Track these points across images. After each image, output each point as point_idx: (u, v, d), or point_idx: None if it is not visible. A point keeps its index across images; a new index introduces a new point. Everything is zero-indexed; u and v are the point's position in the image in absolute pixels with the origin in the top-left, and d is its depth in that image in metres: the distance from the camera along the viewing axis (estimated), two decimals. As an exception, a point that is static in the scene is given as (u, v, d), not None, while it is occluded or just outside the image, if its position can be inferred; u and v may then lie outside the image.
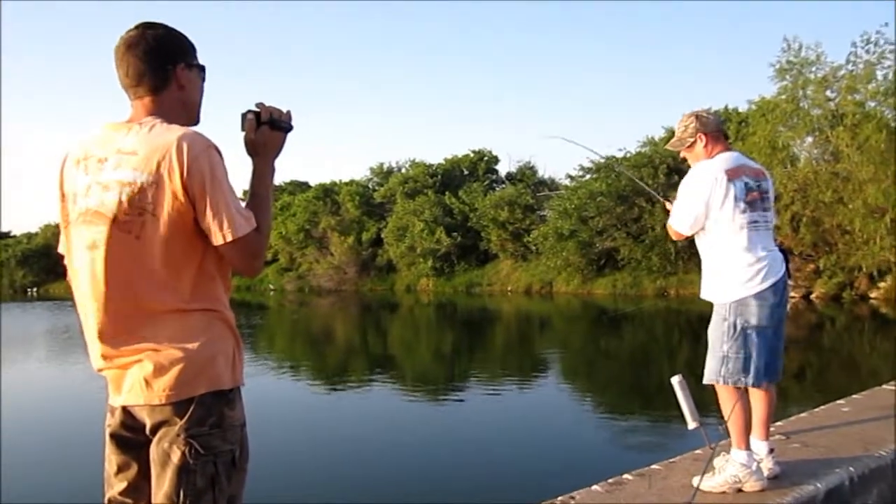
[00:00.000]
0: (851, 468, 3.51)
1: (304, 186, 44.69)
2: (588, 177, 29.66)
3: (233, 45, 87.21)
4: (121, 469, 1.86)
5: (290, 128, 1.99)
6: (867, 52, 20.38)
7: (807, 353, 12.11)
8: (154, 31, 1.84)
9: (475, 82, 78.08)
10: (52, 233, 54.85)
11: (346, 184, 41.33)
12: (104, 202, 1.75)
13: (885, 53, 20.24)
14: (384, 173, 42.25)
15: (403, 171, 40.75)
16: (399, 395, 10.37)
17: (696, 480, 3.25)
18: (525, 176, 36.98)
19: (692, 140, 3.41)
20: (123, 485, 1.85)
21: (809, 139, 22.32)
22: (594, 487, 3.37)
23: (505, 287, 31.11)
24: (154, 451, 1.77)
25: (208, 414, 1.75)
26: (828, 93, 21.32)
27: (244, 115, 1.94)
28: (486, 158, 38.63)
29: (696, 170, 3.34)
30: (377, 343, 18.69)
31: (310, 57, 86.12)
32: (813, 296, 21.34)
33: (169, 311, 1.77)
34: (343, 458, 6.63)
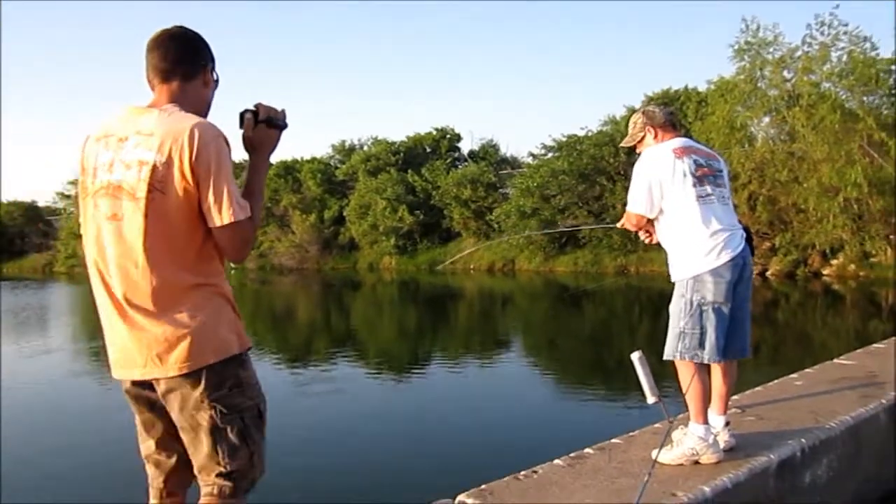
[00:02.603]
0: (803, 440, 3.63)
1: (264, 164, 44.09)
2: (550, 155, 29.78)
3: (188, 16, 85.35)
4: (147, 428, 2.07)
5: (285, 125, 2.12)
6: (822, 33, 20.75)
7: (762, 329, 12.40)
8: (194, 32, 2.07)
9: (437, 60, 77.66)
10: (5, 211, 53.45)
11: (308, 161, 40.86)
12: (125, 178, 1.92)
13: (839, 35, 20.62)
14: (346, 151, 41.86)
15: (366, 148, 40.41)
16: (362, 373, 10.38)
17: (654, 453, 3.33)
18: (487, 154, 36.99)
19: (641, 134, 3.53)
20: (152, 442, 2.07)
21: (767, 119, 22.68)
22: (556, 461, 3.43)
23: (468, 265, 31.21)
24: (181, 420, 1.96)
25: (225, 378, 1.95)
26: (785, 73, 21.66)
27: (242, 114, 2.07)
28: (448, 136, 38.50)
29: (644, 154, 3.45)
30: (340, 321, 18.65)
31: (269, 33, 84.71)
32: (768, 273, 21.80)
33: (175, 284, 1.93)
34: (304, 437, 6.63)
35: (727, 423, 3.54)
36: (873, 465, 4.19)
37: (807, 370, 5.23)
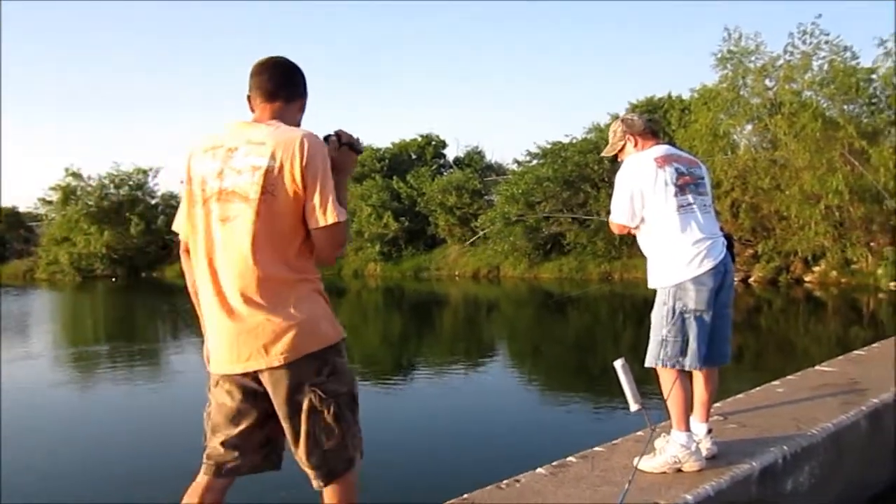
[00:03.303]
0: (785, 447, 3.64)
1: (249, 170, 43.93)
2: (535, 162, 29.86)
3: (178, 20, 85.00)
4: (236, 418, 2.19)
5: (361, 150, 2.37)
6: (803, 42, 20.96)
7: (745, 336, 12.47)
8: (296, 64, 2.33)
9: (423, 66, 77.78)
10: (-15, 216, 52.75)
11: (292, 167, 40.76)
12: (237, 183, 2.11)
13: (821, 45, 20.85)
14: (331, 157, 41.73)
15: (350, 154, 40.30)
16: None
17: (636, 461, 3.33)
18: (473, 161, 37.02)
19: (622, 143, 3.54)
20: (235, 431, 2.20)
21: (749, 127, 22.89)
22: (539, 470, 3.42)
23: (453, 272, 31.19)
24: (282, 407, 2.12)
25: (323, 365, 2.13)
26: (767, 82, 21.85)
27: (327, 137, 2.27)
28: (433, 143, 38.51)
29: (625, 164, 3.45)
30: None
31: (252, 38, 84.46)
32: (751, 280, 21.94)
33: (280, 280, 2.11)
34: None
35: (709, 431, 3.55)
36: (855, 472, 4.22)
37: (789, 377, 5.26)
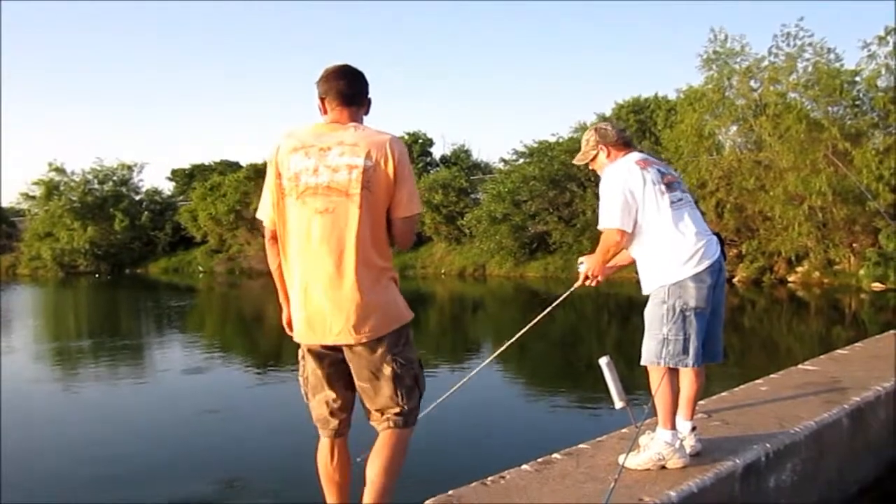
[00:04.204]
0: (768, 444, 3.67)
1: (234, 167, 43.68)
2: (521, 161, 29.91)
3: (169, 18, 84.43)
4: (330, 381, 2.51)
5: None
6: (788, 44, 21.09)
7: (729, 335, 12.53)
8: (363, 73, 2.59)
9: (410, 63, 77.72)
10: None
11: (279, 164, 40.60)
12: (334, 179, 2.38)
13: (805, 46, 20.98)
14: (318, 154, 41.63)
15: (337, 152, 40.22)
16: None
17: (621, 458, 3.34)
18: (459, 159, 37.03)
19: (594, 153, 3.54)
20: (333, 392, 2.53)
21: (734, 128, 22.96)
22: (524, 467, 3.43)
23: (439, 270, 31.20)
24: (363, 373, 2.44)
25: (400, 337, 2.47)
26: (752, 83, 21.95)
27: None
28: (420, 141, 38.48)
29: (607, 171, 3.45)
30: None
31: (240, 35, 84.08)
32: (735, 279, 22.07)
33: (372, 266, 2.40)
34: (272, 441, 6.57)
35: (694, 428, 3.57)
36: (836, 470, 4.25)
37: (772, 376, 5.30)
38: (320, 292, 2.39)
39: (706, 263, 3.29)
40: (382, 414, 2.49)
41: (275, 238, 2.53)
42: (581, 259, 3.62)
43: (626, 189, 3.29)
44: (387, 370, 2.44)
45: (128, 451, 6.37)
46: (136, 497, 5.09)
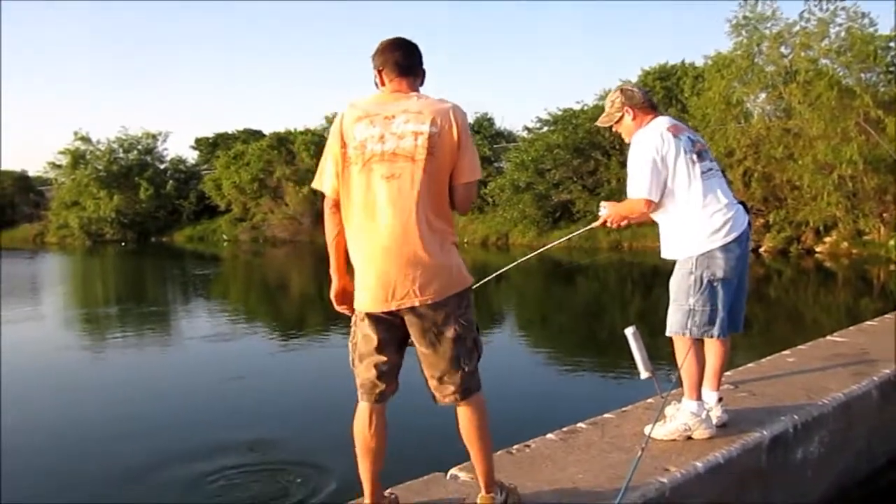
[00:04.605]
0: (795, 416, 3.64)
1: (257, 135, 43.74)
2: (545, 129, 29.62)
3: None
4: (383, 346, 2.52)
5: None
6: (820, 9, 20.55)
7: (754, 306, 12.43)
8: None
9: (433, 29, 76.99)
10: (-5, 180, 52.82)
11: (301, 133, 40.52)
12: (400, 146, 2.44)
13: (838, 11, 20.44)
14: (340, 123, 41.51)
15: (360, 120, 40.07)
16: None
17: (647, 429, 3.33)
18: (482, 128, 36.72)
19: (619, 115, 3.45)
20: (382, 359, 2.54)
21: (763, 95, 22.50)
22: (549, 436, 3.44)
23: (461, 239, 31.18)
24: (425, 336, 2.49)
25: (462, 300, 2.52)
26: (782, 49, 21.45)
27: None
28: (443, 109, 38.16)
29: (637, 137, 3.36)
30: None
31: (262, 5, 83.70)
32: (762, 249, 21.81)
33: (436, 229, 2.47)
34: (300, 409, 6.64)
35: (720, 399, 3.54)
36: (864, 442, 4.22)
37: (799, 347, 5.24)
38: (386, 256, 2.44)
39: (735, 234, 3.24)
40: (441, 382, 2.53)
41: (336, 207, 2.57)
42: (604, 204, 3.58)
43: (657, 157, 3.23)
44: (449, 332, 2.49)
45: (155, 414, 6.48)
46: (162, 455, 5.18)
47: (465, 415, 2.57)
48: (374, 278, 2.46)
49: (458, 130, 2.48)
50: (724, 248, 3.23)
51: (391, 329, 2.52)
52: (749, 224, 3.36)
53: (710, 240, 3.23)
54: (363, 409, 2.60)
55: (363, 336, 2.55)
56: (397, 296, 2.44)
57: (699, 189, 3.24)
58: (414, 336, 2.52)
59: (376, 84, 2.63)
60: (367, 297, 2.49)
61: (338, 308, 2.66)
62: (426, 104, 2.51)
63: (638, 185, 3.26)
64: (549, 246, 5.54)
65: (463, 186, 2.53)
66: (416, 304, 2.45)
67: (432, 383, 2.56)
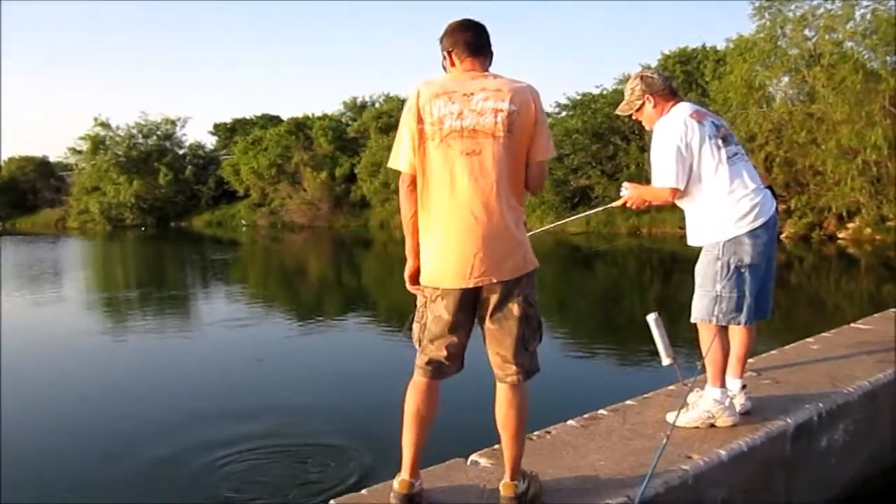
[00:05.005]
0: (820, 404, 3.59)
1: (275, 120, 43.89)
2: (564, 114, 29.44)
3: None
4: (454, 327, 2.52)
5: None
6: (846, -10, 20.20)
7: (776, 293, 12.28)
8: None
9: (453, 14, 76.54)
10: (17, 167, 53.42)
11: (319, 118, 40.64)
12: (480, 122, 2.46)
13: (864, -8, 20.09)
14: (358, 108, 41.57)
15: (377, 105, 40.11)
16: (374, 331, 10.42)
17: (670, 416, 3.30)
18: (501, 112, 36.59)
19: (640, 102, 3.39)
20: (453, 340, 2.54)
21: (786, 79, 22.22)
22: (570, 422, 3.41)
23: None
24: (495, 313, 2.50)
25: (531, 279, 2.56)
26: (806, 32, 21.15)
27: None
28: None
29: (661, 125, 3.30)
30: (351, 279, 18.70)
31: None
32: (783, 235, 21.58)
33: (512, 207, 2.49)
34: (324, 394, 6.66)
35: (744, 387, 3.50)
36: (889, 430, 4.16)
37: (823, 334, 5.17)
38: (465, 233, 2.45)
39: (763, 219, 3.19)
40: (506, 361, 2.54)
41: (413, 185, 2.55)
42: (626, 185, 3.55)
43: (682, 145, 3.17)
44: (517, 310, 2.50)
45: (176, 395, 6.53)
46: (184, 436, 5.22)
47: (511, 397, 2.58)
48: (454, 255, 2.47)
49: (535, 109, 2.51)
50: (752, 233, 3.18)
51: (464, 308, 2.52)
52: (776, 209, 3.31)
53: (738, 225, 3.18)
54: (422, 384, 2.60)
55: (434, 317, 2.54)
56: (475, 273, 2.46)
57: (726, 174, 3.19)
58: (484, 312, 2.53)
59: (444, 67, 2.64)
60: (446, 274, 2.49)
61: (411, 288, 2.65)
62: (504, 83, 2.52)
63: (664, 173, 3.21)
64: (566, 221, 5.48)
65: (538, 164, 2.56)
66: (494, 280, 2.46)
67: (496, 361, 2.57)
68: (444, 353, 2.55)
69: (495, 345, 2.55)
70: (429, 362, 2.58)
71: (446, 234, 2.48)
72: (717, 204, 3.22)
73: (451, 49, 2.60)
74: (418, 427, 2.60)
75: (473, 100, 2.48)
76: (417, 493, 2.58)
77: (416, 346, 2.62)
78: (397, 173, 2.57)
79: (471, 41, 2.59)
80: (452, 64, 2.61)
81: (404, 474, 2.58)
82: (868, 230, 20.92)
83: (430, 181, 2.50)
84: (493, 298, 2.50)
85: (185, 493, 4.42)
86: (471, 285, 2.47)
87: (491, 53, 2.65)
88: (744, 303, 3.23)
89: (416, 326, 2.62)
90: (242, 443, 5.10)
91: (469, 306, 2.52)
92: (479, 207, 2.44)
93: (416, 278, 2.62)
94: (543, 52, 74.90)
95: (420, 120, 2.50)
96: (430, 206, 2.51)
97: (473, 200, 2.44)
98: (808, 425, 3.47)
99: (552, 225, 4.95)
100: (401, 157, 2.55)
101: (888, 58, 20.23)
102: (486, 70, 2.60)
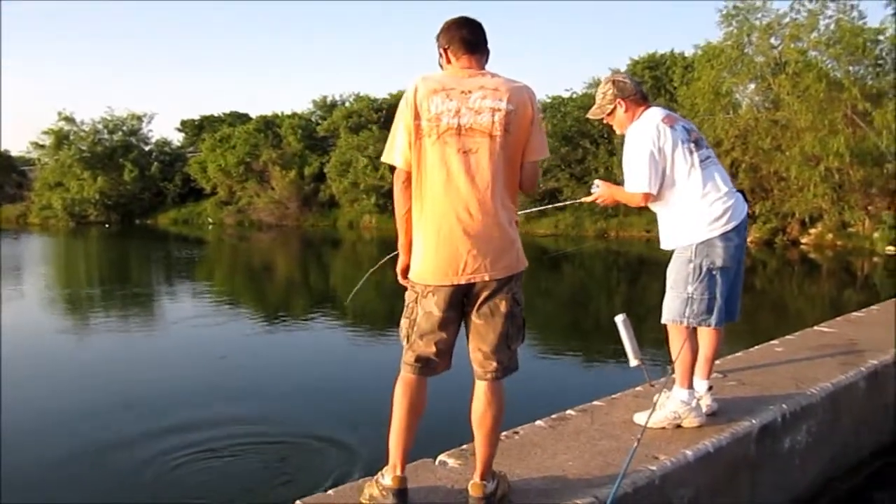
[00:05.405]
0: (784, 405, 3.63)
1: (244, 118, 43.42)
2: (534, 117, 29.53)
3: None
4: (445, 324, 2.52)
5: None
6: (810, 1, 20.58)
7: (741, 296, 12.46)
8: None
9: (420, 12, 76.59)
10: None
11: (289, 116, 40.28)
12: (476, 121, 2.46)
13: (827, 3, 20.48)
14: (327, 107, 41.26)
15: (347, 104, 39.84)
16: (342, 331, 10.35)
17: (638, 417, 3.31)
18: (471, 114, 36.63)
19: (612, 107, 3.39)
20: (442, 336, 2.53)
21: (752, 86, 22.59)
22: (538, 423, 3.41)
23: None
24: (482, 309, 2.51)
25: (520, 279, 2.58)
26: (772, 40, 21.51)
27: None
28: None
29: (633, 130, 3.30)
30: (319, 279, 18.56)
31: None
32: (748, 240, 21.92)
33: (505, 206, 2.50)
34: (287, 393, 6.59)
35: (710, 388, 3.53)
36: (851, 432, 4.22)
37: (787, 337, 5.24)
38: (459, 230, 2.45)
39: (735, 223, 3.22)
40: (486, 357, 2.54)
41: (408, 181, 2.54)
42: (598, 182, 3.56)
43: (655, 149, 3.18)
44: (504, 308, 2.52)
45: (137, 393, 6.41)
46: (153, 429, 5.13)
47: (488, 396, 2.57)
48: (447, 251, 2.47)
49: (531, 109, 2.52)
50: (724, 236, 3.20)
51: (454, 305, 2.53)
52: (747, 213, 3.34)
53: (710, 228, 3.20)
54: (411, 380, 2.59)
55: (425, 313, 2.54)
56: (468, 270, 2.47)
57: (699, 178, 3.21)
58: (472, 308, 2.54)
59: (440, 64, 2.63)
60: (438, 270, 2.49)
61: (403, 282, 2.64)
62: (501, 82, 2.52)
63: (637, 178, 3.22)
64: (539, 209, 5.44)
65: (532, 164, 2.58)
66: (486, 278, 2.48)
67: (476, 357, 2.56)
68: (433, 349, 2.55)
69: (478, 340, 2.55)
70: (417, 359, 2.57)
71: (440, 231, 2.48)
72: (691, 207, 3.23)
73: (447, 46, 2.60)
74: (412, 420, 2.60)
75: (471, 98, 2.48)
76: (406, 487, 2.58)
77: (404, 343, 2.60)
78: (390, 169, 2.57)
79: (467, 38, 2.58)
80: (448, 61, 2.60)
81: (397, 470, 2.57)
82: (830, 236, 21.34)
83: (426, 178, 2.49)
84: (483, 295, 2.51)
85: (138, 494, 4.35)
86: (463, 281, 2.48)
87: (487, 51, 2.64)
88: (714, 305, 3.25)
89: (404, 322, 2.60)
90: (205, 442, 5.03)
91: (459, 303, 2.53)
92: (475, 205, 2.45)
93: (407, 273, 2.61)
94: (513, 55, 75.24)
95: (417, 116, 2.49)
96: (424, 202, 2.50)
97: (469, 198, 2.45)
98: (773, 426, 3.50)
99: (527, 211, 4.85)
100: (396, 153, 2.53)
101: (851, 67, 20.67)
102: (483, 68, 2.59)
